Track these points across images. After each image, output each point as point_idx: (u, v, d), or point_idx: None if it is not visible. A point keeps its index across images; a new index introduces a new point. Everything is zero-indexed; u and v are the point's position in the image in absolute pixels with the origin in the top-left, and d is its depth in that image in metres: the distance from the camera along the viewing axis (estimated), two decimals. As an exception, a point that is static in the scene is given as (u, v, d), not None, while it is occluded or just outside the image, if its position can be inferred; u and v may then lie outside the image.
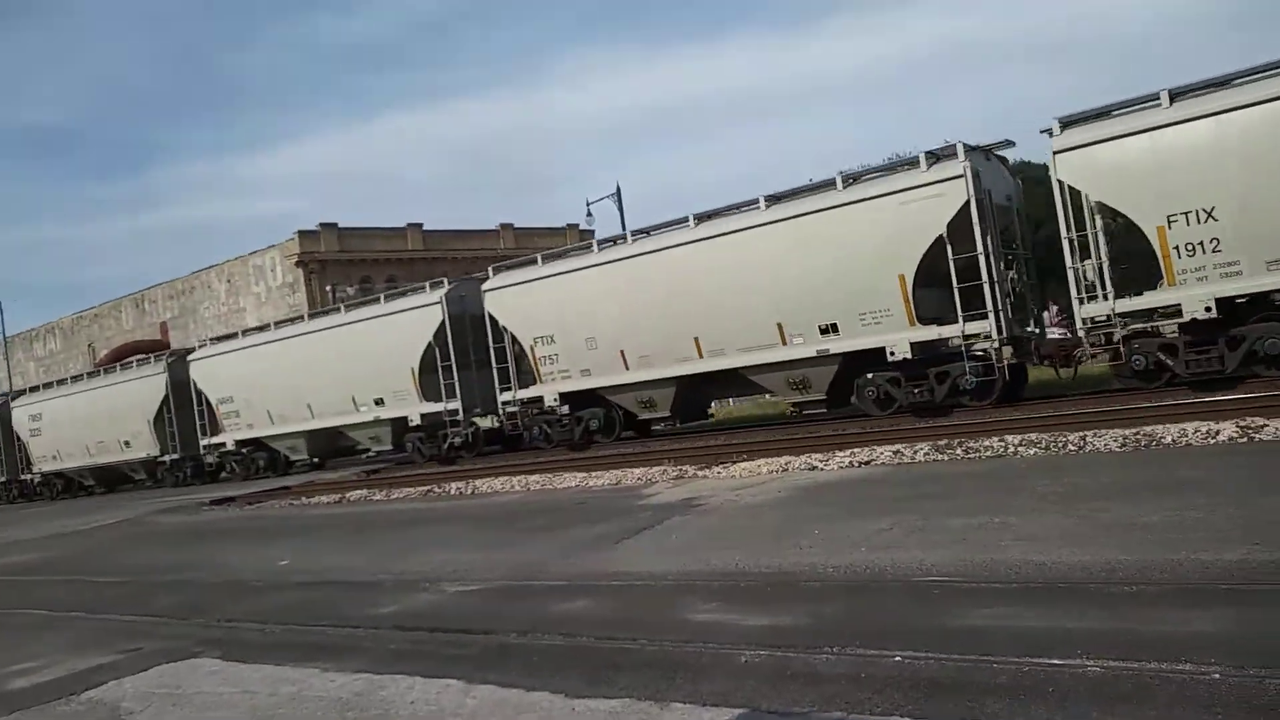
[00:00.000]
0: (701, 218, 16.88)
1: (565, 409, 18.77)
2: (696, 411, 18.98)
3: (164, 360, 27.73)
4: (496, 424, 20.55)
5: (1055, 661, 4.06)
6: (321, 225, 47.96)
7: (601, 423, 18.56)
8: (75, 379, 33.30)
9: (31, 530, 19.14)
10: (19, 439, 33.21)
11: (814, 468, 11.46)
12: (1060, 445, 10.04)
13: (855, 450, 11.86)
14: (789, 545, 7.27)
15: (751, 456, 12.98)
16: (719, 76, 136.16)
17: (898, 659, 4.40)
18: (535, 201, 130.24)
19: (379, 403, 21.50)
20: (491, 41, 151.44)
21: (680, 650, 5.03)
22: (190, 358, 26.69)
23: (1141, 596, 4.94)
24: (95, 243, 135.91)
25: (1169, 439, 9.57)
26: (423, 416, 20.71)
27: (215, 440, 25.79)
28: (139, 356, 31.31)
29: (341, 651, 5.95)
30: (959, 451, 10.77)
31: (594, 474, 14.05)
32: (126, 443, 28.44)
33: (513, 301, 19.35)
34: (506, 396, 19.53)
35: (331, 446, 24.30)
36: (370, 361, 21.24)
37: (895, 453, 11.31)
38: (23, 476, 33.39)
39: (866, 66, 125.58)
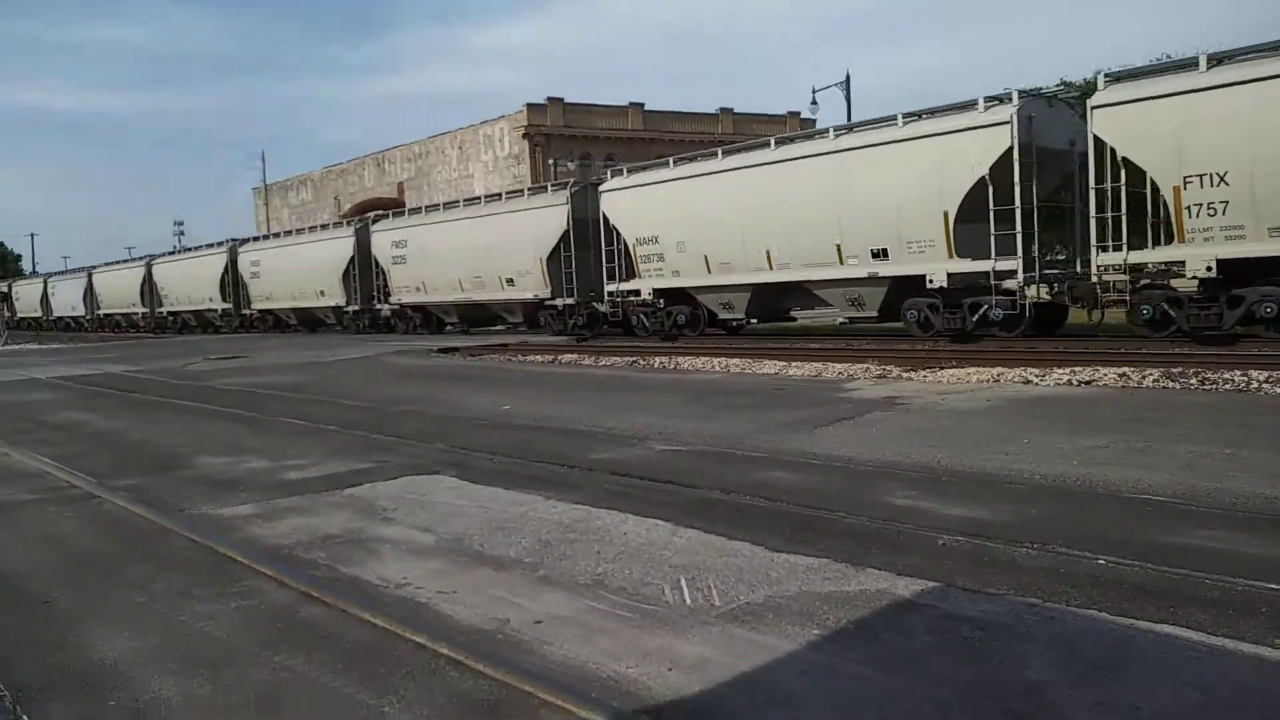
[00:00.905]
0: None
1: (1208, 278, 12.74)
2: None
3: (566, 190, 23.92)
4: (1048, 295, 15.22)
5: (1273, 586, 3.97)
6: (549, 99, 49.28)
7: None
8: (450, 205, 29.51)
9: (285, 358, 21.64)
10: (379, 265, 30.09)
11: (1028, 381, 11.12)
12: (1315, 387, 9.24)
13: (1076, 369, 11.38)
14: (994, 450, 7.23)
15: (961, 364, 12.73)
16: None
17: (1101, 562, 4.42)
18: (750, 89, 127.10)
19: (878, 255, 16.79)
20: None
21: (877, 525, 5.25)
22: (602, 189, 22.62)
23: (1385, 542, 4.65)
24: (342, 102, 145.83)
25: None
26: (949, 277, 15.87)
27: (627, 287, 21.86)
28: (530, 186, 28.45)
29: (561, 485, 6.59)
30: (1193, 381, 10.12)
31: (794, 364, 14.25)
32: (509, 280, 25.13)
33: (1147, 120, 13.09)
34: (1111, 258, 13.70)
35: (777, 307, 20.14)
36: (876, 203, 16.59)
37: (1120, 375, 10.76)
38: (376, 306, 30.56)
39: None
